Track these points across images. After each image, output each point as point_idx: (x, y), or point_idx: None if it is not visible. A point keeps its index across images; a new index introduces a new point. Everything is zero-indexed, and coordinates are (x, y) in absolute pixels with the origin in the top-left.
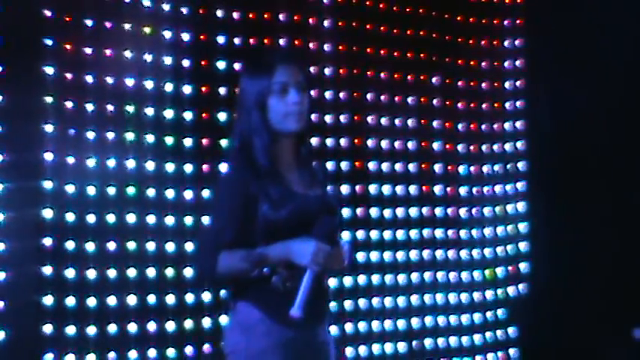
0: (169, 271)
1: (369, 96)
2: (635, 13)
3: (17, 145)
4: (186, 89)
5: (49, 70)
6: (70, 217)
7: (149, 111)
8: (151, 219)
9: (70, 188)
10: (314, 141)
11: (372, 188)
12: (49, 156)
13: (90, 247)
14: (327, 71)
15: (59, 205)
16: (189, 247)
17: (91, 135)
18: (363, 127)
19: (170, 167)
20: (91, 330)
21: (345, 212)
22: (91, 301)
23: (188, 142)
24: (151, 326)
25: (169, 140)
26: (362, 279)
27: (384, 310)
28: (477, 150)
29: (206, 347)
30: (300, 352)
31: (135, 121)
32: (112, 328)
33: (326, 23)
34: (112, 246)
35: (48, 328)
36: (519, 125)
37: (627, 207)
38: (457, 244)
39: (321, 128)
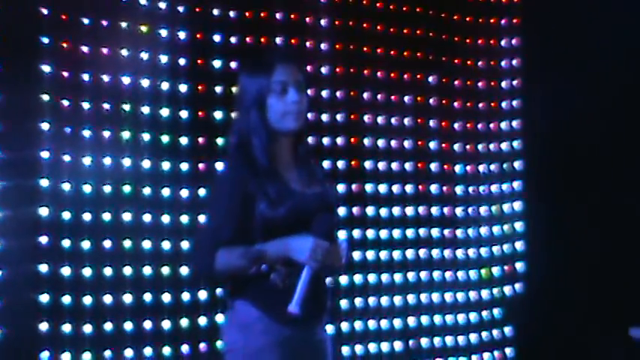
0: (165, 270)
1: (365, 95)
2: (633, 12)
3: (13, 143)
4: (183, 88)
5: (46, 69)
6: (66, 215)
7: (145, 109)
8: (147, 217)
9: (66, 186)
10: (310, 140)
11: (369, 187)
12: (45, 154)
13: (86, 245)
14: (323, 70)
15: (55, 204)
16: (185, 245)
17: (87, 133)
18: (360, 126)
19: (166, 166)
20: (87, 328)
21: (342, 211)
22: (87, 300)
23: (184, 140)
24: (147, 324)
25: (165, 139)
26: (358, 278)
27: (381, 309)
28: (474, 149)
29: (202, 346)
30: (298, 350)
31: (131, 119)
32: (108, 326)
33: (323, 22)
34: (108, 244)
35: (44, 326)
36: (516, 124)
37: (623, 206)
38: (453, 243)
39: (317, 127)
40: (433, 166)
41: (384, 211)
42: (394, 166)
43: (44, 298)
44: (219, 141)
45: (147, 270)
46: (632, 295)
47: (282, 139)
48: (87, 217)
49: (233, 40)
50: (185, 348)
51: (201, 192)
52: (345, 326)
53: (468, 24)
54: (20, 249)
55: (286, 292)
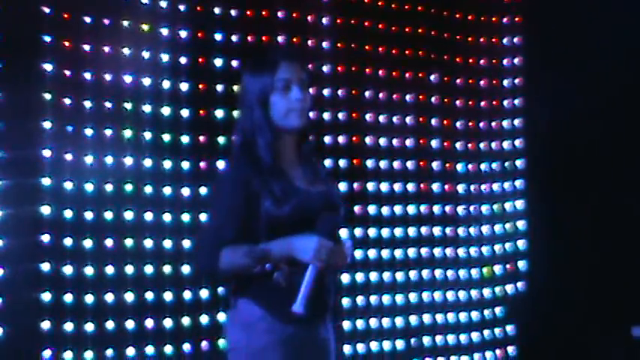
0: (167, 268)
1: (367, 93)
2: (633, 11)
3: (15, 141)
4: (184, 86)
5: (48, 67)
6: (67, 214)
7: (146, 108)
8: (148, 216)
9: (67, 185)
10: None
11: (370, 186)
12: (47, 153)
13: (88, 244)
14: (325, 68)
15: (57, 202)
16: (186, 244)
17: (88, 132)
18: (361, 124)
19: (167, 164)
20: (89, 327)
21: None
22: (89, 298)
23: (185, 139)
24: (149, 323)
25: (167, 137)
26: (360, 277)
27: (382, 307)
28: (475, 147)
29: (204, 344)
30: (301, 349)
31: (132, 118)
32: (110, 324)
33: (324, 20)
34: (109, 243)
35: (46, 325)
36: (517, 123)
37: (625, 205)
38: (455, 241)
39: (319, 125)
40: (435, 165)
41: (385, 210)
42: (396, 164)
43: (46, 296)
44: (221, 140)
45: (148, 269)
46: (634, 294)
47: (286, 137)
48: (88, 215)
49: (234, 38)
50: (187, 346)
51: (203, 190)
52: (346, 325)
53: (469, 22)
54: (22, 247)
55: (290, 292)
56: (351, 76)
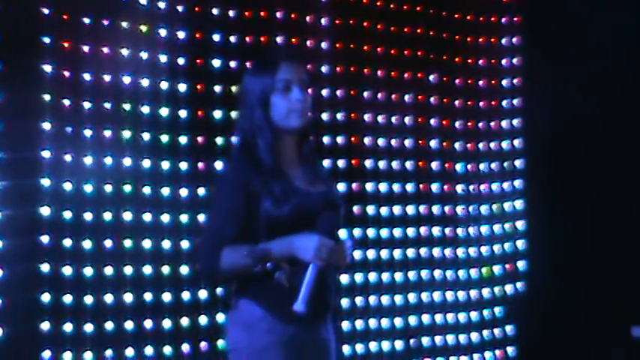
0: (166, 269)
1: (366, 94)
2: (632, 11)
3: (15, 142)
4: (182, 87)
5: (47, 68)
6: (67, 214)
7: (145, 109)
8: (147, 217)
9: (67, 186)
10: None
11: (369, 186)
12: (46, 154)
13: (87, 244)
14: (324, 69)
15: (56, 203)
16: (185, 244)
17: (88, 133)
18: (360, 124)
19: (166, 165)
20: (88, 327)
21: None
22: (88, 299)
23: (184, 139)
24: (148, 324)
25: (165, 138)
26: (359, 277)
27: (382, 307)
28: (474, 147)
29: (203, 345)
30: (302, 349)
31: (131, 119)
32: (109, 325)
33: (323, 21)
34: (108, 243)
35: (45, 326)
36: (516, 123)
37: (625, 205)
38: (454, 241)
39: (317, 126)
40: (434, 165)
41: (384, 210)
42: (395, 164)
43: (45, 297)
44: (219, 140)
45: (147, 269)
46: (634, 294)
47: (287, 137)
48: (88, 216)
49: (232, 39)
50: (186, 347)
51: (201, 191)
52: (345, 325)
53: (468, 22)
54: (21, 248)
55: (291, 291)
56: (349, 77)
